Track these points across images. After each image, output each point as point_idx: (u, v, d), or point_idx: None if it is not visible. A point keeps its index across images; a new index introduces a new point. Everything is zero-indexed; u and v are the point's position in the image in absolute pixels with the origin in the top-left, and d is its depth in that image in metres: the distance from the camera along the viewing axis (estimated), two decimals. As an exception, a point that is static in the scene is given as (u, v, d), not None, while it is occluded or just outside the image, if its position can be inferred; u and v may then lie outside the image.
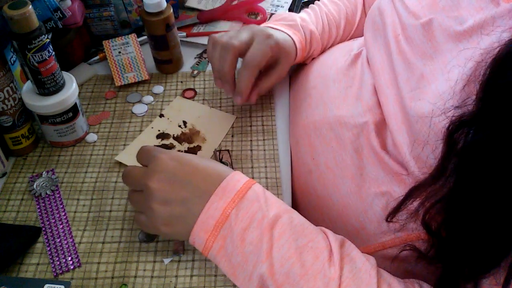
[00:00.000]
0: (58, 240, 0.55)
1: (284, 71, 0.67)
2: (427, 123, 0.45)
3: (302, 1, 1.34)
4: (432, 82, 0.47)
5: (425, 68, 0.48)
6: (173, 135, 0.67)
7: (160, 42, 0.73)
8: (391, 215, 0.46)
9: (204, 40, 0.82)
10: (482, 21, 0.45)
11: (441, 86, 0.45)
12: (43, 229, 0.56)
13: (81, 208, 0.59)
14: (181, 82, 0.76)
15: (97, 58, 0.80)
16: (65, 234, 0.56)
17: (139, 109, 0.71)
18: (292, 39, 0.67)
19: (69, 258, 0.53)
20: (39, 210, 0.58)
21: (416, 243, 0.47)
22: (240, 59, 0.64)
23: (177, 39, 0.75)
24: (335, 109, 0.58)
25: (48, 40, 0.57)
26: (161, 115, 0.70)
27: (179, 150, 0.65)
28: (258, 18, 0.87)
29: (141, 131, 0.68)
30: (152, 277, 0.52)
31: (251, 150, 0.65)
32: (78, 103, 0.64)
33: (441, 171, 0.41)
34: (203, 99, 0.72)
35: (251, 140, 0.66)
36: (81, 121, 0.65)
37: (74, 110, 0.63)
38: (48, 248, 0.54)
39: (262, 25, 0.70)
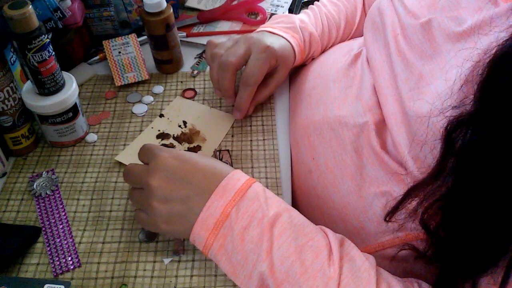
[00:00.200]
0: (58, 240, 0.55)
1: (282, 78, 0.68)
2: (425, 123, 0.45)
3: (302, 1, 1.34)
4: (431, 82, 0.47)
5: (424, 68, 0.48)
6: (173, 135, 0.67)
7: (160, 42, 0.73)
8: (390, 215, 0.47)
9: (204, 40, 0.82)
10: (481, 22, 0.45)
11: (440, 86, 0.45)
12: (43, 229, 0.56)
13: (81, 208, 0.59)
14: (181, 82, 0.76)
15: (97, 58, 0.80)
16: (65, 234, 0.56)
17: (139, 109, 0.71)
18: (290, 43, 0.67)
19: (69, 258, 0.53)
20: (39, 210, 0.58)
21: (415, 243, 0.47)
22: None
23: (177, 39, 0.75)
24: (335, 109, 0.58)
25: (48, 40, 0.57)
26: (161, 115, 0.70)
27: (179, 150, 0.65)
28: (258, 18, 0.87)
29: (141, 131, 0.68)
30: (152, 277, 0.52)
31: (251, 150, 0.65)
32: (78, 103, 0.64)
33: (440, 170, 0.41)
34: (203, 99, 0.72)
35: (251, 140, 0.66)
36: (81, 121, 0.65)
37: (74, 110, 0.63)
38: (48, 248, 0.54)
39: (262, 26, 0.71)
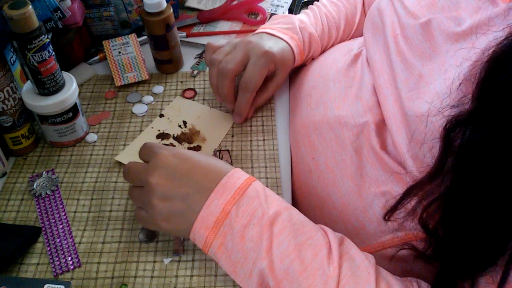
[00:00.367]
0: (58, 240, 0.55)
1: (281, 82, 0.69)
2: (424, 122, 0.45)
3: (302, 1, 1.34)
4: (431, 82, 0.47)
5: (424, 68, 0.48)
6: (173, 135, 0.67)
7: (160, 42, 0.73)
8: (389, 214, 0.47)
9: (204, 40, 0.82)
10: (480, 22, 0.45)
11: (439, 86, 0.45)
12: (43, 229, 0.56)
13: (81, 208, 0.59)
14: (181, 82, 0.76)
15: (97, 58, 0.80)
16: (65, 234, 0.56)
17: (139, 109, 0.71)
18: (290, 45, 0.67)
19: (69, 258, 0.53)
20: (39, 210, 0.58)
21: (414, 242, 0.47)
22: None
23: (177, 39, 0.75)
24: (335, 109, 0.58)
25: (48, 40, 0.57)
26: (161, 115, 0.70)
27: (179, 150, 0.65)
28: (258, 18, 0.87)
29: (141, 131, 0.68)
30: (152, 277, 0.52)
31: (251, 150, 0.65)
32: (78, 103, 0.64)
33: (438, 169, 0.41)
34: (203, 99, 0.72)
35: (251, 140, 0.66)
36: (81, 121, 0.65)
37: (74, 110, 0.63)
38: (48, 248, 0.54)
39: (261, 27, 0.71)
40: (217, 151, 0.65)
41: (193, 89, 0.74)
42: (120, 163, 0.64)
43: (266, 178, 0.61)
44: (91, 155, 0.65)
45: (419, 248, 0.46)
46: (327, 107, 0.60)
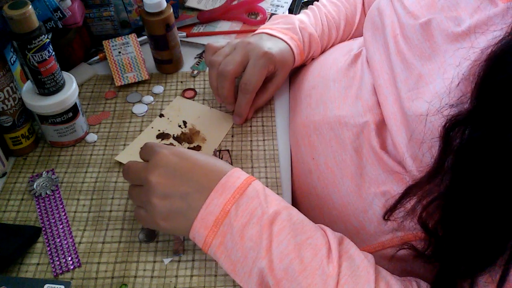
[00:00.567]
0: (58, 240, 0.55)
1: (281, 82, 0.69)
2: (423, 122, 0.45)
3: (302, 1, 1.34)
4: (430, 82, 0.47)
5: (423, 68, 0.48)
6: (173, 135, 0.67)
7: (160, 42, 0.73)
8: (388, 213, 0.47)
9: (204, 40, 0.82)
10: (479, 22, 0.45)
11: (439, 86, 0.45)
12: (43, 229, 0.56)
13: (81, 208, 0.59)
14: (181, 82, 0.76)
15: (97, 58, 0.80)
16: (65, 234, 0.56)
17: (139, 109, 0.71)
18: (289, 45, 0.67)
19: (69, 258, 0.53)
20: (39, 210, 0.58)
21: (414, 242, 0.47)
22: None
23: (177, 39, 0.75)
24: (335, 109, 0.58)
25: (48, 40, 0.57)
26: (161, 115, 0.70)
27: (179, 150, 0.65)
28: (258, 18, 0.87)
29: (141, 131, 0.68)
30: (152, 277, 0.52)
31: (251, 150, 0.65)
32: (78, 103, 0.64)
33: (438, 169, 0.41)
34: (203, 99, 0.72)
35: (251, 140, 0.66)
36: (81, 121, 0.65)
37: (74, 110, 0.63)
38: (48, 248, 0.54)
39: (261, 27, 0.71)
40: (217, 151, 0.65)
41: (193, 89, 0.74)
42: (120, 163, 0.64)
43: (266, 178, 0.61)
44: (91, 155, 0.65)
45: (418, 248, 0.46)
46: (327, 107, 0.60)
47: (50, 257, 0.54)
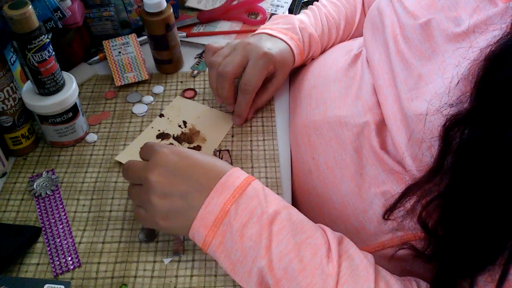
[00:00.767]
0: (58, 240, 0.55)
1: (281, 83, 0.69)
2: (423, 121, 0.45)
3: (302, 1, 1.34)
4: (430, 82, 0.47)
5: (423, 68, 0.49)
6: (173, 135, 0.67)
7: (160, 42, 0.73)
8: (388, 212, 0.47)
9: (204, 40, 0.82)
10: (479, 21, 0.45)
11: (438, 86, 0.45)
12: (43, 229, 0.56)
13: (81, 208, 0.59)
14: (181, 82, 0.76)
15: (97, 58, 0.80)
16: (65, 234, 0.56)
17: (139, 109, 0.71)
18: (289, 46, 0.67)
19: (69, 258, 0.53)
20: (39, 210, 0.58)
21: (413, 242, 0.47)
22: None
23: (177, 39, 0.75)
24: (335, 109, 0.58)
25: (48, 40, 0.57)
26: (161, 115, 0.70)
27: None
28: (258, 18, 0.87)
29: (141, 131, 0.68)
30: (152, 277, 0.52)
31: (251, 150, 0.65)
32: (78, 103, 0.64)
33: (437, 168, 0.41)
34: (203, 99, 0.72)
35: (251, 140, 0.66)
36: (81, 121, 0.65)
37: (74, 110, 0.63)
38: (48, 248, 0.54)
39: (261, 27, 0.71)
40: (217, 151, 0.65)
41: (193, 89, 0.74)
42: (120, 163, 0.64)
43: (266, 178, 0.61)
44: (91, 155, 0.65)
45: (418, 247, 0.46)
46: (327, 107, 0.60)
47: (50, 257, 0.54)
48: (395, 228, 0.49)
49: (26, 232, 0.54)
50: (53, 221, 0.57)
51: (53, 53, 0.59)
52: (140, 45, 0.78)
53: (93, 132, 0.68)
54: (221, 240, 0.45)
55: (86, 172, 0.63)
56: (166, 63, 0.76)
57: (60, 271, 0.52)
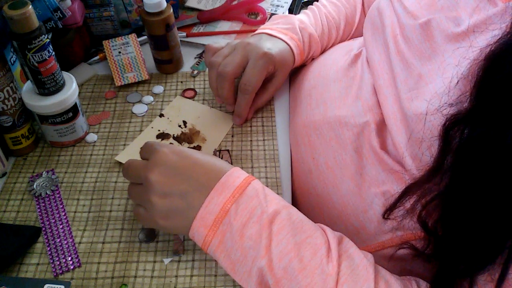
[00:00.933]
0: (58, 240, 0.55)
1: (281, 83, 0.69)
2: (422, 121, 0.45)
3: (302, 1, 1.34)
4: (430, 82, 0.47)
5: (423, 68, 0.49)
6: (173, 135, 0.67)
7: (160, 42, 0.73)
8: (388, 212, 0.47)
9: (204, 40, 0.82)
10: (479, 21, 0.45)
11: (438, 86, 0.45)
12: (43, 229, 0.56)
13: (81, 208, 0.59)
14: (181, 82, 0.76)
15: (97, 58, 0.80)
16: (65, 234, 0.56)
17: (139, 109, 0.71)
18: (289, 46, 0.67)
19: (69, 258, 0.53)
20: (39, 210, 0.58)
21: (413, 241, 0.47)
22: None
23: (177, 39, 0.75)
24: (335, 109, 0.58)
25: (48, 40, 0.57)
26: (161, 115, 0.70)
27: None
28: (258, 18, 0.87)
29: (141, 131, 0.68)
30: (152, 277, 0.52)
31: (251, 150, 0.65)
32: (78, 103, 0.64)
33: (437, 168, 0.41)
34: (203, 99, 0.72)
35: (251, 140, 0.66)
36: (81, 121, 0.65)
37: (74, 110, 0.63)
38: (48, 248, 0.54)
39: (261, 27, 0.71)
40: (217, 151, 0.65)
41: (193, 89, 0.74)
42: (120, 163, 0.64)
43: (266, 178, 0.61)
44: (91, 155, 0.65)
45: (418, 247, 0.46)
46: (327, 107, 0.60)
47: (50, 257, 0.54)
48: (395, 228, 0.49)
49: (26, 232, 0.54)
50: (53, 221, 0.57)
51: (53, 53, 0.59)
52: (140, 45, 0.78)
53: (93, 132, 0.68)
54: (221, 240, 0.45)
55: (86, 172, 0.63)
56: (166, 63, 0.76)
57: (60, 271, 0.52)
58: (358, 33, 0.76)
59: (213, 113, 0.70)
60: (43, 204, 0.59)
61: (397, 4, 0.56)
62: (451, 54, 0.46)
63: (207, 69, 0.78)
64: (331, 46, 0.75)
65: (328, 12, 0.74)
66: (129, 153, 0.65)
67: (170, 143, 0.66)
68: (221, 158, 0.63)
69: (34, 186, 0.60)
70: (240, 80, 0.64)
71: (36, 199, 0.59)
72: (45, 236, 0.55)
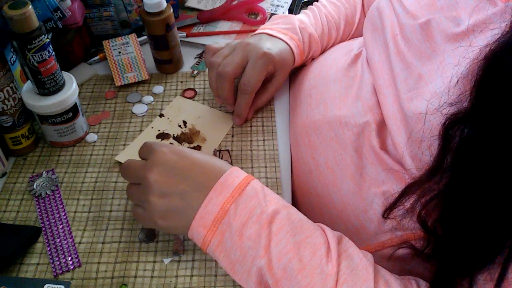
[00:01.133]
0: (58, 240, 0.55)
1: (281, 83, 0.69)
2: (422, 121, 0.45)
3: (302, 1, 1.34)
4: (430, 82, 0.47)
5: (423, 68, 0.49)
6: (173, 135, 0.67)
7: (160, 42, 0.73)
8: (387, 211, 0.47)
9: (204, 40, 0.82)
10: (479, 21, 0.45)
11: (438, 86, 0.45)
12: (43, 229, 0.56)
13: (81, 208, 0.59)
14: (181, 82, 0.76)
15: (97, 58, 0.80)
16: (65, 234, 0.56)
17: (139, 109, 0.71)
18: (289, 46, 0.67)
19: (69, 258, 0.53)
20: (39, 210, 0.58)
21: (413, 241, 0.47)
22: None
23: (177, 39, 0.75)
24: (335, 109, 0.58)
25: (48, 40, 0.57)
26: (161, 115, 0.70)
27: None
28: (258, 18, 0.87)
29: (141, 131, 0.68)
30: (152, 277, 0.52)
31: (251, 150, 0.65)
32: (78, 103, 0.64)
33: (437, 167, 0.41)
34: (203, 99, 0.72)
35: (251, 140, 0.66)
36: (81, 121, 0.65)
37: (74, 110, 0.63)
38: (48, 248, 0.54)
39: (261, 27, 0.71)
40: (217, 151, 0.65)
41: (193, 89, 0.74)
42: (120, 163, 0.64)
43: (266, 178, 0.61)
44: (91, 155, 0.65)
45: (417, 246, 0.46)
46: (327, 107, 0.60)
47: (50, 257, 0.54)
48: (394, 228, 0.49)
49: (26, 232, 0.54)
50: (53, 221, 0.57)
51: (53, 53, 0.59)
52: (140, 45, 0.78)
53: (93, 132, 0.68)
54: (220, 240, 0.45)
55: (86, 172, 0.63)
56: (166, 63, 0.76)
57: (60, 271, 0.52)
58: (358, 33, 0.76)
59: (213, 113, 0.70)
60: (43, 204, 0.59)
61: (397, 4, 0.56)
62: (451, 53, 0.46)
63: (207, 69, 0.78)
64: (331, 46, 0.75)
65: (328, 12, 0.74)
66: (129, 153, 0.65)
67: (170, 143, 0.66)
68: (221, 158, 0.63)
69: (34, 186, 0.60)
70: (240, 80, 0.64)
71: (36, 199, 0.59)
72: (45, 236, 0.55)
